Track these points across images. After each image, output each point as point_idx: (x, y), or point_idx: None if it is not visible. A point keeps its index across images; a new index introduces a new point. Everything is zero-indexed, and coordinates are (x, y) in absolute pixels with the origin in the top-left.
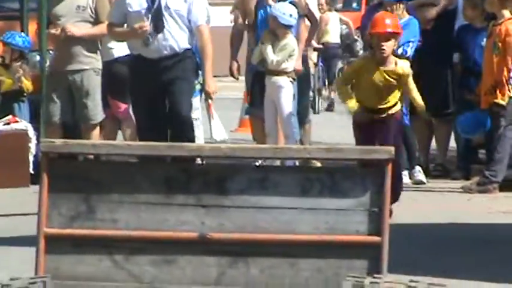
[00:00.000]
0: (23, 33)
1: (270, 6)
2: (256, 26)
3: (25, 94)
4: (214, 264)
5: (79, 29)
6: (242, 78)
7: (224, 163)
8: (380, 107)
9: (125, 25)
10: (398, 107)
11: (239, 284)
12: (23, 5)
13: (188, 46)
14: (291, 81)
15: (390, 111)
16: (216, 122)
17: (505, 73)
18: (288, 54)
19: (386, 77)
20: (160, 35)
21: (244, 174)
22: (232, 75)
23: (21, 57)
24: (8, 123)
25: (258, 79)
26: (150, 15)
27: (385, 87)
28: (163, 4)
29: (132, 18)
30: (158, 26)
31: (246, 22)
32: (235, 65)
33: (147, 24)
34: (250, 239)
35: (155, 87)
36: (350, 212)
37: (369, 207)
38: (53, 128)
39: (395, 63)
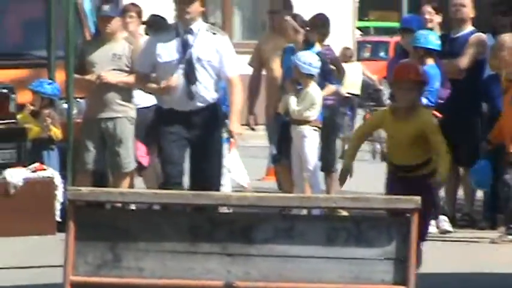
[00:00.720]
0: (50, 81)
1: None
2: (283, 75)
3: (54, 142)
4: None
5: (114, 76)
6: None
7: (250, 212)
8: (406, 164)
9: (153, 74)
10: (432, 167)
11: None
12: (50, 53)
13: (216, 96)
14: (315, 130)
15: (421, 171)
16: (237, 165)
17: None
18: (310, 103)
19: (409, 129)
20: (193, 87)
21: (271, 223)
22: (249, 125)
23: (50, 105)
24: (35, 171)
25: (284, 128)
26: (181, 66)
27: (409, 141)
28: (194, 56)
29: (162, 69)
30: (191, 78)
31: (264, 72)
32: (252, 116)
33: (175, 81)
34: None
35: (186, 139)
36: (375, 261)
37: (394, 257)
38: (84, 175)
39: (419, 115)
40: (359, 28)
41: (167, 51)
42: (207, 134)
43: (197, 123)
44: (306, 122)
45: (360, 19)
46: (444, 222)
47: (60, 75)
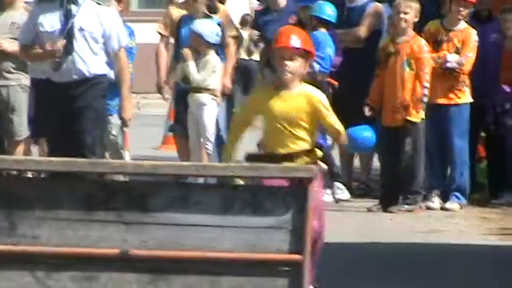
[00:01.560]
0: None
1: (193, 23)
2: (178, 43)
3: None
4: (135, 281)
5: (10, 45)
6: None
7: (146, 180)
8: (283, 152)
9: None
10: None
11: None
12: None
13: (101, 72)
14: (213, 99)
15: (305, 160)
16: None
17: (419, 90)
18: (210, 71)
19: (292, 106)
20: (69, 58)
21: (166, 192)
22: (160, 92)
23: None
24: None
25: (181, 96)
26: (61, 37)
27: (291, 122)
28: (76, 26)
29: (44, 39)
30: (68, 48)
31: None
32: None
33: (60, 44)
34: (172, 256)
35: (62, 113)
36: (271, 231)
37: (290, 226)
38: None
39: (307, 91)
40: None
41: (50, 20)
42: (84, 107)
43: (74, 96)
44: (206, 90)
45: None
46: (339, 190)
47: None
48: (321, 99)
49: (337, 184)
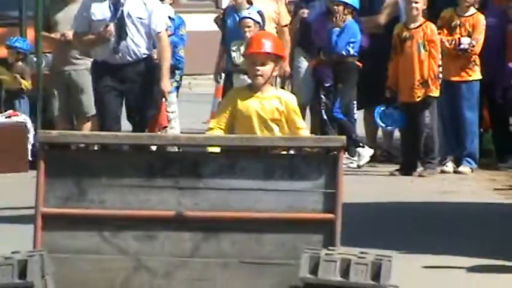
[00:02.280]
0: (23, 38)
1: (239, 13)
2: (225, 31)
3: (24, 92)
4: (189, 239)
5: None
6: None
7: (198, 151)
8: None
9: (89, 34)
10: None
11: (211, 256)
12: (21, 13)
13: (148, 52)
14: None
15: None
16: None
17: (435, 68)
18: None
19: (265, 108)
20: (123, 42)
21: (216, 160)
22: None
23: (23, 59)
24: (9, 117)
25: (229, 77)
26: (112, 23)
27: (262, 122)
28: (125, 12)
29: (96, 27)
30: (121, 33)
31: None
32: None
33: (112, 27)
34: (221, 217)
35: (120, 92)
36: (308, 193)
37: (324, 189)
38: (61, 119)
39: (278, 96)
40: None
41: (100, 10)
42: (139, 86)
43: (128, 76)
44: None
45: None
46: (360, 156)
47: (30, 33)
48: (295, 107)
49: (359, 150)
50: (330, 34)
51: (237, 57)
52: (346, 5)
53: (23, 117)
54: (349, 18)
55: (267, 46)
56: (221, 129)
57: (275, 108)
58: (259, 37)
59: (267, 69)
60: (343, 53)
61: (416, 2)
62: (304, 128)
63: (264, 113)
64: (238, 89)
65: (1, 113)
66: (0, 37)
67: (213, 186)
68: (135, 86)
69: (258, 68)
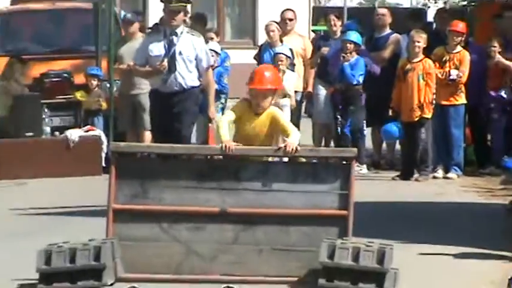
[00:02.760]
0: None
1: (273, 49)
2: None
3: (101, 111)
4: (231, 230)
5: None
6: None
7: (239, 159)
8: None
9: (147, 66)
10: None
11: (248, 244)
12: (97, 48)
13: (194, 84)
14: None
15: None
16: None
17: (430, 95)
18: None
19: (259, 125)
20: (172, 75)
21: (253, 167)
22: None
23: (99, 85)
24: (87, 131)
25: None
26: (166, 59)
27: (263, 133)
28: (177, 51)
29: (153, 61)
30: (171, 68)
31: None
32: None
33: (165, 64)
34: (256, 212)
35: (168, 115)
36: (326, 194)
37: (339, 190)
38: (131, 133)
39: (268, 112)
40: (313, 31)
41: (157, 47)
42: (183, 110)
43: (175, 102)
44: (284, 95)
45: (314, 24)
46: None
47: (104, 64)
48: (277, 113)
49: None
50: (342, 67)
51: None
52: (354, 44)
53: (98, 132)
54: (355, 54)
55: (268, 82)
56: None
57: (266, 123)
58: (262, 72)
59: (267, 102)
60: (354, 82)
61: (418, 42)
62: (292, 131)
63: (258, 130)
64: (243, 105)
65: (80, 128)
66: (80, 67)
67: (250, 188)
68: (180, 110)
69: (259, 103)
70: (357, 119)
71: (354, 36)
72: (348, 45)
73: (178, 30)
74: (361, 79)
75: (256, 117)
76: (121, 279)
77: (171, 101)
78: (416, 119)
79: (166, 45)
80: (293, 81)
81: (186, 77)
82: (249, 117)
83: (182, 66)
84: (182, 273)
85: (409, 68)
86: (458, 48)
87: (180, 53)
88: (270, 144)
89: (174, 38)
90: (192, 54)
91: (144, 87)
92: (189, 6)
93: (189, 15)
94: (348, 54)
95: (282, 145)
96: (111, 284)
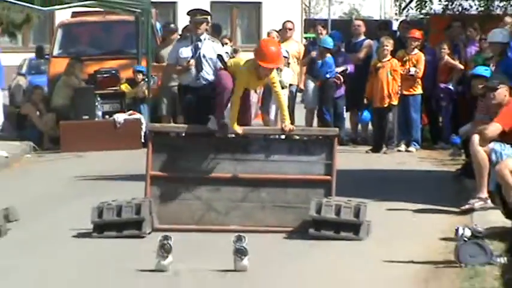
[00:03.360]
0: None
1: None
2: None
3: (145, 100)
4: (241, 191)
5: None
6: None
7: (247, 137)
8: None
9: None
10: None
11: (255, 202)
12: (138, 50)
13: (213, 78)
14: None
15: None
16: None
17: (396, 87)
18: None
19: (264, 83)
20: (200, 73)
21: (258, 143)
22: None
23: (143, 79)
24: (130, 115)
25: (268, 90)
26: (193, 60)
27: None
28: (201, 54)
29: (181, 62)
30: (198, 67)
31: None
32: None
33: (192, 62)
34: (261, 178)
35: (196, 103)
36: (315, 163)
37: (325, 160)
38: (166, 118)
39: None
40: (305, 38)
41: (186, 51)
42: (207, 99)
43: (202, 94)
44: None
45: (305, 32)
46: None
47: (143, 63)
48: (273, 77)
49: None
50: (318, 66)
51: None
52: (325, 48)
53: (138, 115)
54: (328, 55)
55: (277, 59)
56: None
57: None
58: (272, 50)
59: (273, 73)
60: (325, 77)
61: (386, 46)
62: (278, 89)
63: (259, 85)
64: (248, 72)
65: (125, 112)
66: (125, 66)
67: (256, 159)
68: (204, 99)
69: (267, 74)
70: (329, 104)
71: (326, 41)
72: (322, 49)
73: (202, 37)
74: (328, 75)
75: (260, 80)
76: (156, 229)
77: (199, 92)
78: (385, 106)
79: (193, 49)
80: (289, 76)
81: (209, 74)
82: (253, 81)
83: (206, 66)
84: (203, 225)
85: (380, 66)
86: (416, 51)
87: (204, 56)
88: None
89: (199, 43)
90: (213, 56)
91: (177, 81)
92: (209, 18)
93: (209, 25)
94: (323, 55)
95: (282, 126)
96: (149, 233)
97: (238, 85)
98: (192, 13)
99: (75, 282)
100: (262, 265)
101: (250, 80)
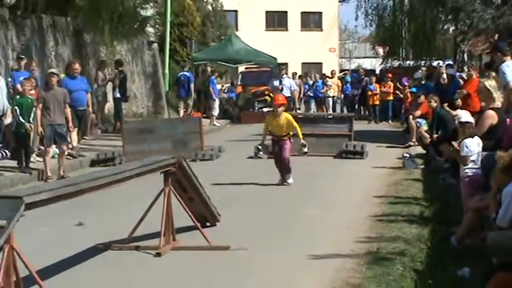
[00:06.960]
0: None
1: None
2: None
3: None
4: (315, 139)
5: None
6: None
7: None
8: (279, 134)
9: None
10: (289, 134)
11: (320, 144)
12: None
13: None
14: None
15: (285, 137)
16: None
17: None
18: None
19: (281, 122)
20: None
21: (321, 120)
22: None
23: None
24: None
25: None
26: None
27: (281, 127)
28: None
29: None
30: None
31: None
32: None
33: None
34: (323, 133)
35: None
36: (344, 127)
37: (348, 126)
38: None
39: (285, 115)
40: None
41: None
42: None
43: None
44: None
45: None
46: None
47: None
48: (290, 118)
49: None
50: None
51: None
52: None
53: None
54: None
55: (280, 101)
56: (268, 130)
57: (285, 122)
58: (277, 97)
59: (281, 109)
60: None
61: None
62: (296, 126)
63: (281, 123)
64: (271, 115)
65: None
66: (265, 89)
67: (321, 126)
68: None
69: (277, 110)
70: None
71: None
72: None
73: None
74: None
75: (278, 118)
76: None
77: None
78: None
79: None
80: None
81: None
82: (274, 119)
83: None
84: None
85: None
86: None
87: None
88: (287, 130)
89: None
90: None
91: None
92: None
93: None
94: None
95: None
96: None
97: (266, 122)
98: None
99: None
100: (322, 166)
101: (271, 118)
